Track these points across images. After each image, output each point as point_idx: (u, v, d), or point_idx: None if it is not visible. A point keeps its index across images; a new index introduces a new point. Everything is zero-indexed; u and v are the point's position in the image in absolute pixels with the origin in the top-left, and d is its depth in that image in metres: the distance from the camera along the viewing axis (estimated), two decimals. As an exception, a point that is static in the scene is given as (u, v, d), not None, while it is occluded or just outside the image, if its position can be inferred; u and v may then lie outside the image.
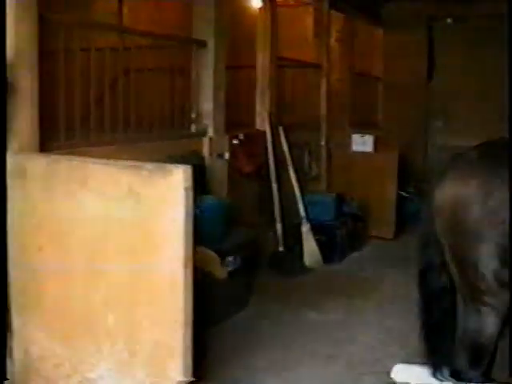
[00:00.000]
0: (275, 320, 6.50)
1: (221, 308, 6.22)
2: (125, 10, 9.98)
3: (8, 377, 4.98)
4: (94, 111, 6.14)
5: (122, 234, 4.11)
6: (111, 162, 4.22)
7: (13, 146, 4.75)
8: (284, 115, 9.43)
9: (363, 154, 10.64)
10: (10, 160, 4.66)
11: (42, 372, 4.72)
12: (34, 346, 4.75)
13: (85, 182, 4.25)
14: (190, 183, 3.80)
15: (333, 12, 10.96)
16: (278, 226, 8.63)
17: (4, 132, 4.11)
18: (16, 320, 4.85)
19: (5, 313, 4.13)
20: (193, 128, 7.56)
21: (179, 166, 3.87)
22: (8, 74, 4.74)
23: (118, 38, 6.88)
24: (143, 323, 4.09)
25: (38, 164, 4.56)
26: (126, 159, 4.29)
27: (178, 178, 3.80)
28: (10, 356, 5.04)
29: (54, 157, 4.64)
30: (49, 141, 5.28)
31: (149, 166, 3.96)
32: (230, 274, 6.44)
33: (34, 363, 4.78)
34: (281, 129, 9.10)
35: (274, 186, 8.68)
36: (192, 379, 4.05)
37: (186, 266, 3.86)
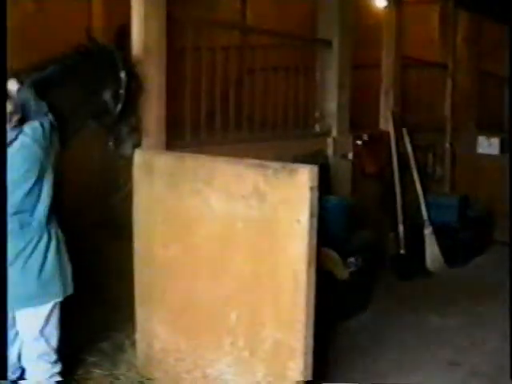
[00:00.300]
0: (396, 323, 6.39)
1: (341, 309, 6.16)
2: (248, 9, 10.04)
3: (131, 369, 5.10)
4: (219, 110, 6.19)
5: (246, 233, 4.13)
6: (237, 160, 4.24)
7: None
8: (408, 116, 9.27)
9: (489, 156, 10.33)
10: (138, 157, 4.76)
11: (163, 365, 4.82)
12: (156, 339, 4.85)
13: (210, 180, 4.29)
14: (315, 183, 3.78)
15: (459, 10, 10.68)
16: (400, 228, 8.48)
17: (4, 130, 4.13)
18: (140, 314, 4.97)
19: (5, 313, 4.18)
20: (317, 128, 7.54)
21: (305, 165, 3.85)
22: (138, 72, 4.85)
23: (243, 36, 6.93)
24: (265, 322, 4.10)
25: (165, 161, 4.64)
26: (251, 158, 4.30)
27: (304, 177, 3.78)
28: (134, 349, 5.17)
29: (180, 154, 4.71)
30: (175, 139, 5.36)
31: (274, 165, 3.96)
32: (351, 275, 6.36)
33: (156, 356, 4.88)
34: (404, 130, 8.95)
35: (397, 187, 8.54)
36: (311, 379, 4.03)
37: (309, 266, 3.84)
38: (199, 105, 5.96)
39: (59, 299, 3.94)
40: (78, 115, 4.48)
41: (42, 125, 3.75)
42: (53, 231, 3.88)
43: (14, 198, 3.65)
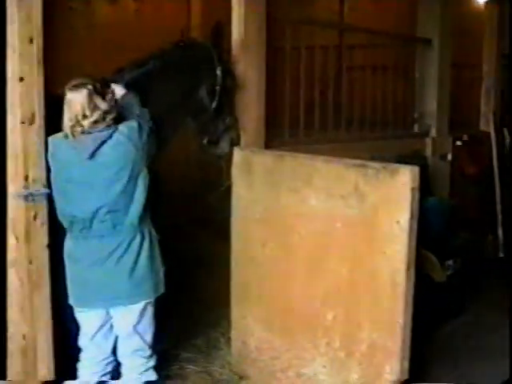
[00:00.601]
0: (490, 327, 6.23)
1: (438, 312, 6.06)
2: (346, 8, 9.98)
3: (225, 366, 5.13)
4: (317, 109, 6.17)
5: (344, 232, 4.10)
6: (336, 159, 4.21)
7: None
8: (509, 116, 9.04)
9: None
10: (237, 155, 4.79)
11: (258, 363, 4.84)
12: (252, 337, 4.87)
13: (310, 179, 4.27)
14: (416, 184, 3.72)
15: None
16: (500, 231, 8.29)
17: (4, 130, 4.15)
18: (236, 312, 5.00)
19: (5, 313, 4.21)
20: (415, 128, 7.44)
21: (406, 165, 3.80)
22: (233, 69, 4.90)
23: (341, 35, 6.89)
24: (362, 323, 4.05)
25: (264, 160, 4.65)
26: (349, 158, 4.26)
27: (405, 178, 3.72)
28: (229, 346, 5.20)
29: (279, 153, 4.71)
30: (273, 137, 5.37)
31: (375, 165, 3.92)
32: (449, 277, 6.25)
33: (251, 354, 4.90)
34: (505, 130, 8.73)
35: (497, 188, 8.35)
36: (407, 382, 3.97)
37: (408, 268, 3.79)
38: (297, 104, 5.95)
39: (152, 298, 3.96)
40: (176, 112, 4.54)
41: (139, 125, 3.79)
42: (146, 231, 3.89)
43: (107, 196, 3.71)
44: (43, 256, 4.10)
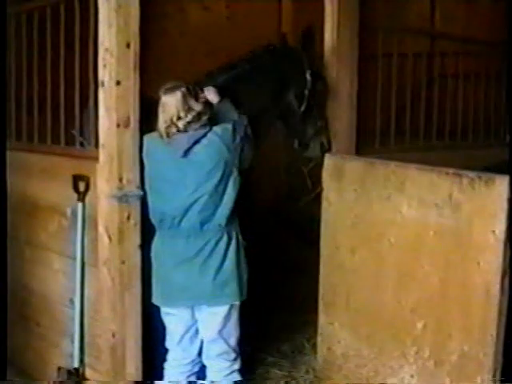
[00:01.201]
0: None
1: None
2: (437, 15, 9.85)
3: (309, 371, 5.13)
4: (408, 116, 6.12)
5: (436, 241, 4.05)
6: (429, 167, 4.17)
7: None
8: None
9: None
10: (328, 161, 4.78)
11: (344, 370, 4.81)
12: (338, 344, 4.85)
13: (402, 186, 4.24)
14: (512, 194, 3.66)
15: None
16: None
17: (4, 131, 4.15)
18: (322, 318, 4.98)
19: (5, 313, 4.21)
20: (507, 138, 7.28)
21: (503, 176, 3.73)
22: (324, 73, 4.90)
23: (432, 42, 6.81)
24: (453, 333, 4.00)
25: (355, 166, 4.62)
26: (441, 166, 4.21)
27: (502, 188, 3.66)
28: (314, 352, 5.20)
29: (370, 160, 4.68)
30: (364, 144, 5.35)
31: (470, 174, 3.86)
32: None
33: (336, 361, 4.88)
34: None
35: None
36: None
37: (503, 279, 3.72)
38: (389, 111, 5.91)
39: (236, 302, 3.99)
40: (266, 114, 4.57)
41: (233, 127, 3.84)
42: (233, 233, 3.93)
43: (198, 195, 3.75)
44: (135, 256, 4.19)
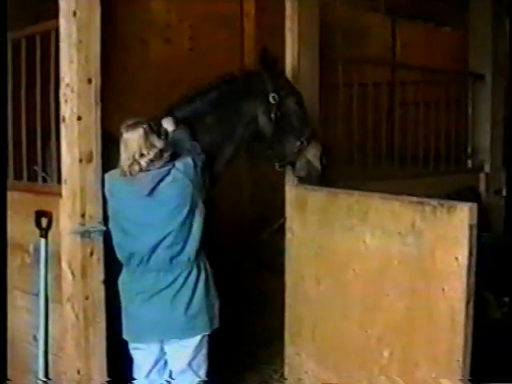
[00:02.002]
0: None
1: (494, 349, 5.95)
2: (398, 44, 9.98)
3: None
4: (370, 145, 6.17)
5: (400, 270, 4.08)
6: (392, 196, 4.20)
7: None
8: None
9: None
10: (290, 192, 4.81)
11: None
12: (306, 374, 4.86)
13: (365, 216, 4.27)
14: (475, 221, 3.70)
15: None
16: (560, 269, 8.12)
17: (5, 131, 4.16)
18: (289, 349, 4.99)
19: (5, 314, 4.20)
20: (469, 163, 7.38)
21: (464, 202, 3.77)
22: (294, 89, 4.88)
23: (393, 72, 6.89)
24: (419, 361, 4.01)
25: (318, 197, 4.66)
26: (403, 194, 4.25)
27: (463, 215, 3.70)
28: (281, 383, 5.18)
29: (333, 190, 4.70)
30: (327, 173, 5.35)
31: (432, 201, 3.90)
32: (505, 314, 6.15)
33: (307, 392, 4.86)
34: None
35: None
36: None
37: (467, 305, 3.74)
38: (351, 140, 5.96)
39: (207, 332, 3.97)
40: (229, 144, 4.54)
41: (194, 161, 3.85)
42: (202, 266, 3.93)
43: (165, 232, 3.75)
44: (99, 291, 4.15)
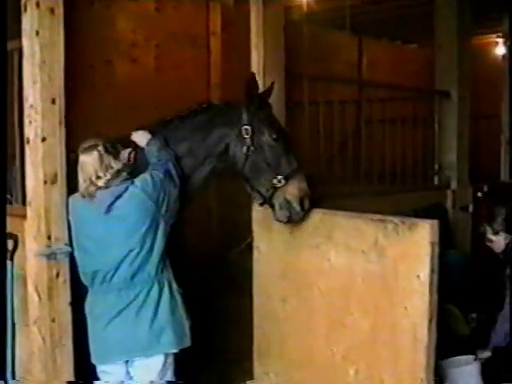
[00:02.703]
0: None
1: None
2: (364, 62, 10.06)
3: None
4: (336, 162, 6.22)
5: (364, 288, 4.11)
6: (356, 214, 4.23)
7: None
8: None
9: None
10: (256, 212, 4.82)
11: (281, 420, 4.80)
12: (275, 394, 4.84)
13: (330, 234, 4.30)
14: (436, 238, 3.73)
15: None
16: (526, 284, 8.18)
17: (4, 132, 4.17)
18: (257, 368, 4.99)
19: (5, 314, 4.20)
20: (436, 180, 7.45)
21: (425, 220, 3.81)
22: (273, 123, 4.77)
23: (359, 89, 6.96)
24: (384, 378, 4.03)
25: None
26: (369, 211, 4.28)
27: (425, 232, 3.74)
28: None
29: (298, 209, 4.73)
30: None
31: (394, 219, 3.93)
32: (473, 330, 6.19)
33: (275, 411, 4.86)
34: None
35: (523, 240, 8.27)
36: None
37: (430, 323, 3.78)
38: (317, 158, 5.99)
39: (173, 350, 3.91)
40: (199, 171, 4.48)
41: (152, 177, 3.84)
42: (165, 282, 3.88)
43: (126, 249, 3.74)
44: (66, 313, 4.12)
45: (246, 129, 4.36)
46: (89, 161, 3.74)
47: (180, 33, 7.13)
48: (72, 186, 4.01)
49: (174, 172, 4.02)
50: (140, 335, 3.80)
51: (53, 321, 4.09)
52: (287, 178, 4.35)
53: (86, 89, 5.94)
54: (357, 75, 9.17)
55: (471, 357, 5.15)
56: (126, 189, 3.75)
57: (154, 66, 6.98)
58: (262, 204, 4.50)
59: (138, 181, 3.80)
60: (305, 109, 5.93)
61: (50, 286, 4.06)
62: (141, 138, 4.23)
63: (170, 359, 3.93)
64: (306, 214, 4.42)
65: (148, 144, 4.18)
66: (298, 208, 4.36)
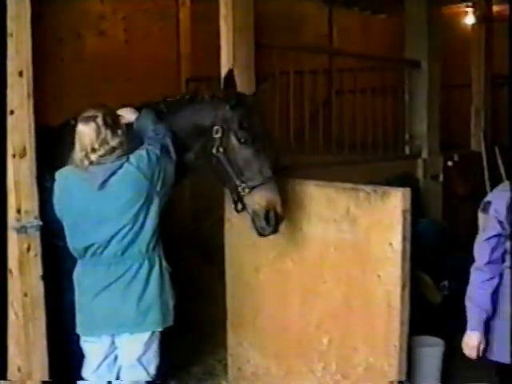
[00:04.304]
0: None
1: (434, 334, 6.04)
2: (334, 32, 10.05)
3: (223, 393, 5.13)
4: (307, 133, 6.21)
5: (337, 257, 4.12)
6: (328, 184, 4.23)
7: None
8: (500, 135, 9.07)
9: None
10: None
11: (255, 390, 4.82)
12: (248, 364, 4.87)
13: (302, 203, 4.29)
14: (408, 206, 3.74)
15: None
16: (494, 251, 8.26)
17: (4, 132, 4.15)
18: (231, 339, 5.00)
19: (5, 313, 4.20)
20: (406, 150, 7.48)
21: (397, 188, 3.82)
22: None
23: (330, 60, 6.94)
24: (357, 346, 4.06)
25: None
26: (341, 181, 4.28)
27: (397, 200, 3.74)
28: (226, 373, 5.19)
29: (271, 178, 4.72)
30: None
31: (366, 188, 3.94)
32: (445, 298, 6.24)
33: (247, 380, 4.90)
34: (496, 149, 8.76)
35: (490, 208, 8.34)
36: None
37: (403, 290, 3.80)
38: (288, 128, 5.98)
39: (159, 329, 3.90)
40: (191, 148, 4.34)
41: (148, 154, 3.77)
42: (156, 260, 3.84)
43: (118, 226, 3.71)
44: (38, 287, 4.08)
45: (217, 128, 4.13)
46: (86, 131, 3.66)
47: (148, 5, 7.07)
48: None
49: (171, 147, 3.92)
50: (127, 311, 3.77)
51: (25, 295, 4.05)
52: (252, 187, 4.03)
53: (56, 62, 5.87)
54: (327, 45, 9.15)
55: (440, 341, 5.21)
56: (121, 166, 3.68)
57: (123, 38, 6.92)
58: (235, 208, 4.23)
59: (133, 158, 3.73)
60: (275, 79, 5.90)
61: (20, 261, 4.01)
62: (129, 113, 4.15)
63: (155, 336, 3.91)
64: (275, 228, 4.03)
65: (138, 119, 4.10)
66: (263, 223, 4.01)
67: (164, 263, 3.89)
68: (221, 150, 4.10)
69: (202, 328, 5.94)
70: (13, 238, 3.98)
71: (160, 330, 3.90)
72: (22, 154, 3.98)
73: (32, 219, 4.02)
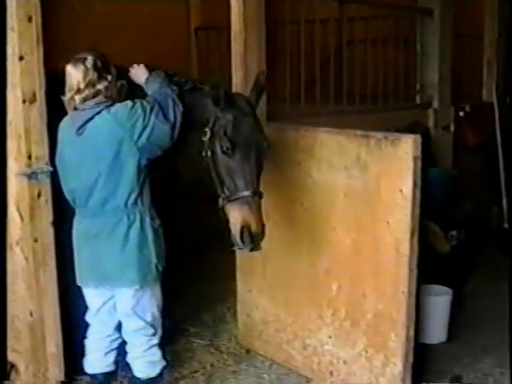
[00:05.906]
0: (496, 297, 6.21)
1: (442, 282, 6.07)
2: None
3: (231, 339, 5.18)
4: (318, 82, 6.17)
5: (347, 203, 4.13)
6: (338, 130, 4.22)
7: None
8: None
9: None
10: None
11: (264, 336, 4.89)
12: (257, 310, 4.91)
13: (312, 150, 4.29)
14: (419, 152, 3.74)
15: None
16: (504, 202, 8.25)
17: (4, 133, 4.12)
18: (241, 286, 5.04)
19: (5, 313, 4.21)
20: (417, 99, 7.43)
21: (408, 135, 3.80)
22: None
23: (341, 8, 6.87)
24: (366, 292, 4.09)
25: (266, 133, 4.62)
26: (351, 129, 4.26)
27: (408, 147, 3.74)
28: (235, 320, 5.24)
29: (280, 126, 4.71)
30: (274, 111, 5.34)
31: (377, 134, 3.93)
32: (453, 248, 6.26)
33: (256, 327, 4.95)
34: (508, 99, 8.67)
35: (501, 159, 8.31)
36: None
37: (412, 237, 3.82)
38: (299, 77, 5.94)
39: (136, 287, 3.80)
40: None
41: (133, 105, 3.65)
42: (137, 217, 3.73)
43: (95, 174, 3.66)
44: (48, 233, 4.12)
45: (206, 131, 3.88)
46: (73, 72, 3.64)
47: None
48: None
49: (170, 107, 3.75)
50: (106, 265, 3.75)
51: (35, 241, 4.08)
52: (229, 199, 3.80)
53: (66, 10, 5.83)
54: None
55: (449, 290, 5.24)
56: (99, 112, 3.65)
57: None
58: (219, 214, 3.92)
59: (115, 107, 3.68)
60: (286, 28, 5.86)
61: (31, 206, 4.04)
62: (140, 74, 4.06)
63: (141, 290, 3.84)
64: (252, 247, 3.77)
65: (147, 81, 3.99)
66: (237, 239, 3.78)
67: (148, 221, 3.76)
68: (209, 153, 3.86)
69: (213, 276, 6.00)
70: (24, 185, 4.00)
71: (137, 288, 3.81)
72: (32, 100, 3.97)
73: (42, 165, 4.03)
